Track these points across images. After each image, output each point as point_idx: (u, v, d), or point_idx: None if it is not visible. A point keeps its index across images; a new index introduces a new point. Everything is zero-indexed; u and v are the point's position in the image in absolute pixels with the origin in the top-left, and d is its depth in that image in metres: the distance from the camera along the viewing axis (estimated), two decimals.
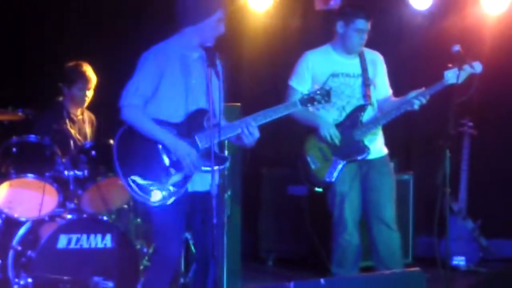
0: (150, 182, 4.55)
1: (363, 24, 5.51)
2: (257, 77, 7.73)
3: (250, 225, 7.26)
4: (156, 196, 4.56)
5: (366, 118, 5.56)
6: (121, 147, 4.57)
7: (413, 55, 7.49)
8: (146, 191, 4.54)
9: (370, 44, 5.67)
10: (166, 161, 4.58)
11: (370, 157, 5.54)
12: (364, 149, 5.50)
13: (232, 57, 7.28)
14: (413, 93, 5.43)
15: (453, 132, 5.36)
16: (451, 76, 5.33)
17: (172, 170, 4.58)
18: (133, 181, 4.53)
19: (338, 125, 5.53)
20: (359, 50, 5.61)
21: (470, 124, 7.21)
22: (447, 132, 5.32)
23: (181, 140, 4.58)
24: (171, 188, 4.57)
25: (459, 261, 7.04)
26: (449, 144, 5.34)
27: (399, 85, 5.80)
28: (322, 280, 3.89)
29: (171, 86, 4.60)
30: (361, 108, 5.55)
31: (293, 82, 5.66)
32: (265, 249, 7.40)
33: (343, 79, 5.58)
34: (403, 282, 4.21)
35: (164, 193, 4.56)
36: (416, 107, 5.39)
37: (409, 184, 7.08)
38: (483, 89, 5.41)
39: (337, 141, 5.49)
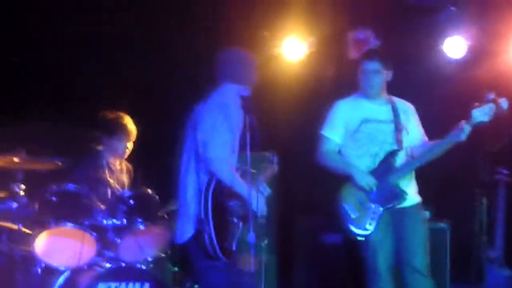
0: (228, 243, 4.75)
1: (367, 65, 5.61)
2: (291, 126, 7.77)
3: (285, 274, 7.23)
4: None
5: (398, 163, 5.55)
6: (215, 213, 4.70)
7: (446, 102, 7.48)
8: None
9: (403, 92, 5.70)
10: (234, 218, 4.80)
11: (403, 204, 5.51)
12: (402, 194, 5.47)
13: (266, 106, 7.38)
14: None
15: (488, 180, 5.33)
16: (479, 114, 5.26)
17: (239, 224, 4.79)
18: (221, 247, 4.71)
19: (373, 172, 5.51)
20: (370, 93, 5.64)
21: (506, 172, 7.16)
22: (482, 180, 5.30)
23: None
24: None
25: None
26: (485, 192, 5.31)
27: (432, 132, 5.81)
28: None
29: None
30: (393, 153, 5.54)
31: (326, 131, 5.69)
32: None
33: (376, 125, 5.60)
34: None
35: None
36: (463, 137, 5.31)
37: (445, 233, 7.03)
38: None
39: (374, 188, 5.48)
